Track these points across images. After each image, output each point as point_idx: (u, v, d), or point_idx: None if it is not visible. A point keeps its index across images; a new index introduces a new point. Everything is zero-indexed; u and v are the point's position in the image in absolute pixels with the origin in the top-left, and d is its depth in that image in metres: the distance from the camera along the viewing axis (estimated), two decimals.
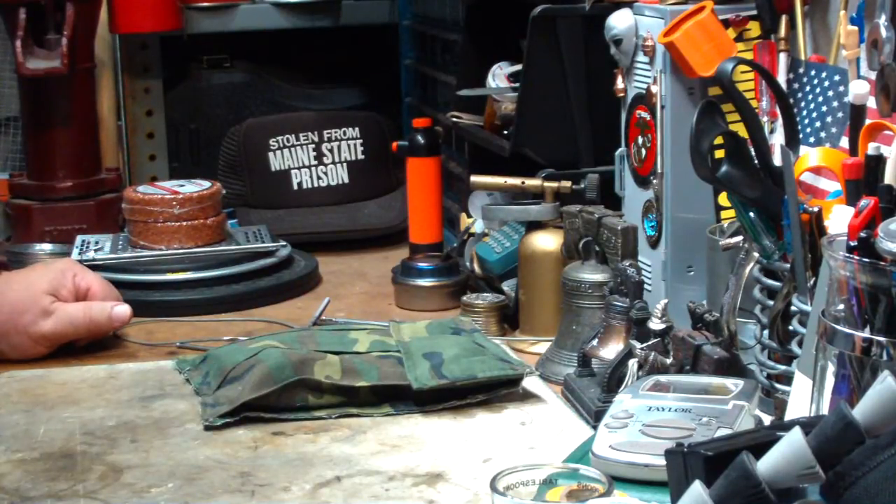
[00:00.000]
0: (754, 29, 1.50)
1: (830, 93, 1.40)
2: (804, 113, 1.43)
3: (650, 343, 1.33)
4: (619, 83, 1.59)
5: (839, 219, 1.20)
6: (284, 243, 1.95)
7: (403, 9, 2.41)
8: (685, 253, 1.53)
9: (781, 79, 1.45)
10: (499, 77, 1.87)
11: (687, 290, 1.50)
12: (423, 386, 1.36)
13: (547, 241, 1.61)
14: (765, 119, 1.46)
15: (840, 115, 1.38)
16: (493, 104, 1.84)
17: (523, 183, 1.65)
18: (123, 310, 1.63)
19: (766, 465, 0.78)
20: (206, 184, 1.95)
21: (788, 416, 1.17)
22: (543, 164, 1.67)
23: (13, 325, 1.57)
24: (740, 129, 1.30)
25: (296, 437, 1.31)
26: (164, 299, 1.81)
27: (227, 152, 2.22)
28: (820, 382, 1.04)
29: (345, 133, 2.22)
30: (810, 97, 1.43)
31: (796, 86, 1.45)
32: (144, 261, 1.87)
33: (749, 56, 1.47)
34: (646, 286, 1.48)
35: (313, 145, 2.19)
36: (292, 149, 2.19)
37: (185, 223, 1.89)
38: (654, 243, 1.55)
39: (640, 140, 1.56)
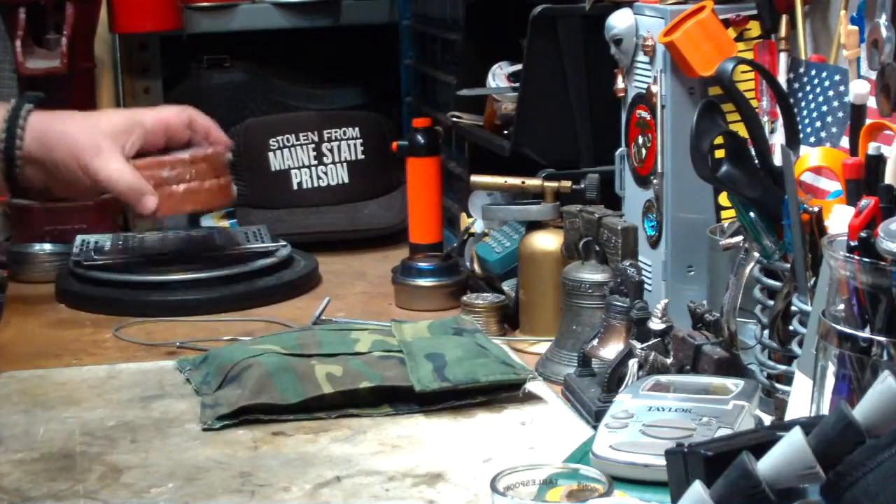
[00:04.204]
0: (754, 29, 1.50)
1: (831, 93, 1.40)
2: (804, 113, 1.43)
3: (650, 343, 1.33)
4: (619, 83, 1.59)
5: (839, 219, 1.20)
6: (284, 243, 1.95)
7: (403, 8, 2.40)
8: (685, 253, 1.53)
9: (782, 79, 1.45)
10: (499, 77, 1.86)
11: (687, 290, 1.50)
12: (425, 388, 1.36)
13: (547, 241, 1.61)
14: (765, 119, 1.46)
15: (840, 114, 1.38)
16: (493, 104, 1.84)
17: (523, 183, 1.65)
18: (150, 202, 1.66)
19: (767, 465, 0.78)
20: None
21: (788, 416, 1.17)
22: (543, 164, 1.67)
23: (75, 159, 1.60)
24: (740, 129, 1.30)
25: (296, 437, 1.31)
26: (164, 299, 1.81)
27: None
28: (820, 382, 1.04)
29: (345, 133, 2.21)
30: (810, 97, 1.43)
31: (796, 86, 1.45)
32: (144, 261, 1.87)
33: (749, 56, 1.47)
34: (646, 286, 1.48)
35: (313, 145, 2.19)
36: (292, 149, 2.19)
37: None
38: (654, 243, 1.55)
39: (641, 140, 1.56)
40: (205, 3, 2.43)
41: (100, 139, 1.62)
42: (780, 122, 1.36)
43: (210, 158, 1.74)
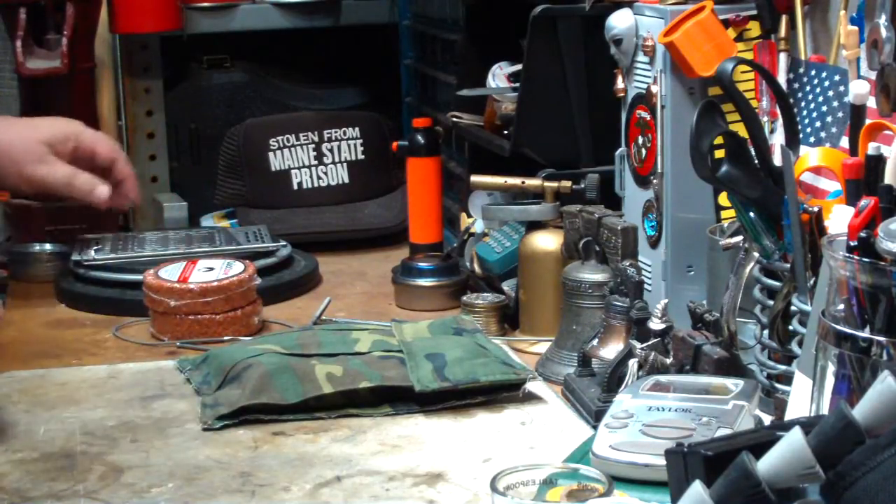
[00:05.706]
0: (754, 29, 1.50)
1: (830, 93, 1.40)
2: (804, 113, 1.43)
3: (650, 343, 1.33)
4: (619, 83, 1.59)
5: (839, 219, 1.20)
6: (284, 243, 1.95)
7: (403, 9, 2.41)
8: (685, 253, 1.53)
9: (781, 79, 1.45)
10: (499, 77, 1.86)
11: (687, 290, 1.50)
12: (425, 388, 1.36)
13: (547, 241, 1.61)
14: (765, 119, 1.46)
15: (840, 115, 1.38)
16: (493, 104, 1.84)
17: (523, 183, 1.65)
18: (103, 191, 1.71)
19: (766, 465, 0.78)
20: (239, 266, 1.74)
21: (788, 416, 1.17)
22: (543, 164, 1.67)
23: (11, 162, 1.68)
24: (740, 129, 1.30)
25: (296, 437, 1.31)
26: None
27: (227, 152, 2.22)
28: (820, 382, 1.04)
29: (345, 133, 2.21)
30: (810, 97, 1.43)
31: (796, 86, 1.45)
32: (144, 261, 1.87)
33: (749, 56, 1.47)
34: (646, 286, 1.48)
35: (313, 145, 2.19)
36: (292, 149, 2.19)
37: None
38: (654, 243, 1.55)
39: (640, 140, 1.56)
40: (205, 3, 2.43)
41: (37, 147, 1.67)
42: (780, 122, 1.36)
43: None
